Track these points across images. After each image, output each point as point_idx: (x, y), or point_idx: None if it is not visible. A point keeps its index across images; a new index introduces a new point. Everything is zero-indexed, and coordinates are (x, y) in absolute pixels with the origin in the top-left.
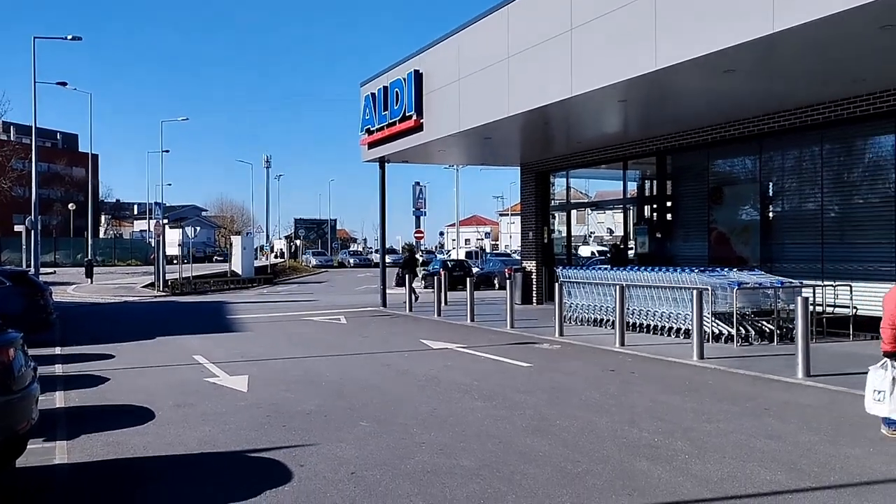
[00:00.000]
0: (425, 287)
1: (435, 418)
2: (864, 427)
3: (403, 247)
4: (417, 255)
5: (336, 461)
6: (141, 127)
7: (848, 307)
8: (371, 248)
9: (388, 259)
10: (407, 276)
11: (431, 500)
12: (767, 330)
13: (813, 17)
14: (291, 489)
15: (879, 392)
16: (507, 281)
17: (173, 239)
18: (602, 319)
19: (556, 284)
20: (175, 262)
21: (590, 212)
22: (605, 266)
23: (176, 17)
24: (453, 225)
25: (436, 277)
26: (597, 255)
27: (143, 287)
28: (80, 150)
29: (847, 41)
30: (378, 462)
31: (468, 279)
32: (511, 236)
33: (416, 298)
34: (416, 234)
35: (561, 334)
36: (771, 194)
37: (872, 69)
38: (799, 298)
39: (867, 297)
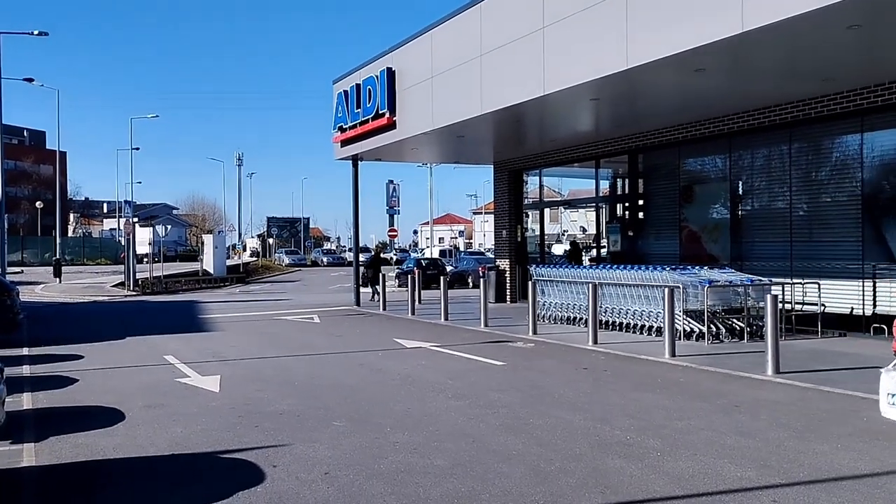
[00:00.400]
0: (399, 286)
1: (409, 418)
2: (832, 423)
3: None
4: (386, 255)
5: (309, 461)
6: (110, 124)
7: (816, 304)
8: (345, 246)
9: (361, 257)
10: (372, 276)
11: (405, 499)
12: (738, 327)
13: (781, 16)
14: (264, 490)
15: (894, 396)
16: (481, 279)
17: (144, 238)
18: (575, 318)
19: (530, 283)
20: (146, 260)
21: (563, 210)
22: (573, 264)
23: (144, 13)
24: (427, 223)
25: (409, 276)
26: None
27: (113, 286)
28: (47, 147)
29: (815, 41)
30: (352, 462)
31: (442, 278)
32: (485, 235)
33: (378, 298)
34: (390, 233)
35: (535, 332)
36: (741, 193)
37: (840, 69)
38: (768, 296)
39: (835, 295)
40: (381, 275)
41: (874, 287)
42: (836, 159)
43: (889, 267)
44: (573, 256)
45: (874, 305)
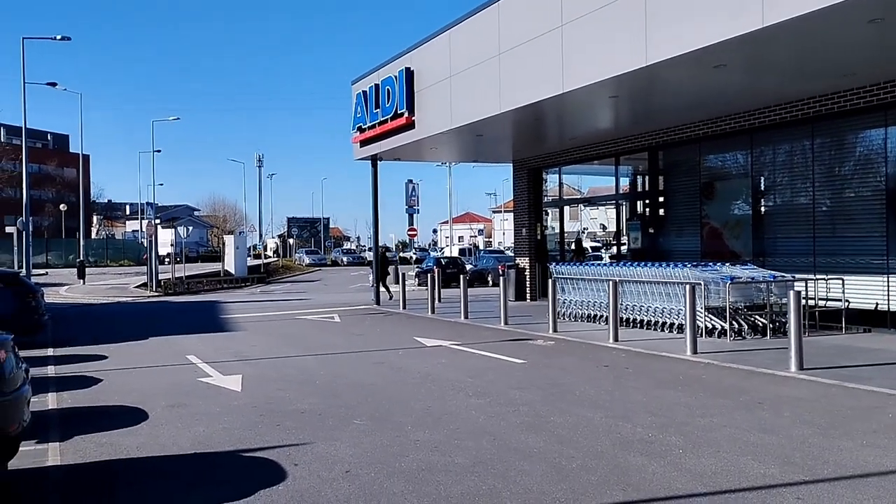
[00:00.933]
0: (419, 284)
1: (429, 416)
2: (857, 420)
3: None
4: (390, 255)
5: (330, 460)
6: (132, 127)
7: (840, 300)
8: (364, 245)
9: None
10: (381, 273)
11: (426, 498)
12: (760, 324)
13: (802, 11)
14: (286, 488)
15: None
16: (501, 278)
17: (166, 239)
18: (596, 315)
19: (550, 281)
20: (168, 261)
21: (583, 208)
22: (577, 262)
23: (165, 16)
24: (446, 222)
25: (429, 275)
26: (590, 250)
27: (136, 287)
28: (70, 150)
29: (836, 35)
30: (372, 460)
31: (462, 276)
32: (504, 233)
33: (390, 297)
34: (410, 232)
35: (555, 330)
36: (762, 189)
37: (862, 63)
38: (791, 292)
39: (859, 291)
40: (387, 274)
41: None
42: (860, 154)
43: None
44: (577, 254)
45: None
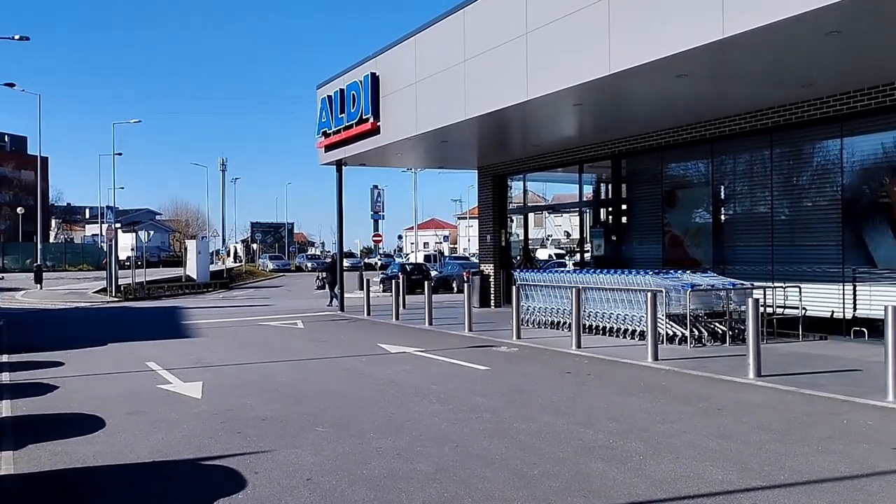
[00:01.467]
0: (383, 291)
1: (392, 423)
2: (812, 426)
3: (332, 254)
4: (375, 259)
5: (291, 468)
6: (92, 129)
7: (797, 308)
8: (329, 251)
9: (346, 263)
10: (328, 281)
11: None
12: (720, 331)
13: (761, 22)
14: (245, 497)
15: None
16: (466, 284)
17: (126, 243)
18: (559, 322)
19: (514, 287)
20: (127, 265)
21: (547, 215)
22: (527, 268)
23: (126, 17)
24: (412, 228)
25: (394, 281)
26: (554, 257)
27: (95, 292)
28: (28, 152)
29: (795, 47)
30: (334, 468)
31: (426, 283)
32: (469, 239)
33: (335, 302)
34: (375, 238)
35: (518, 337)
36: (723, 197)
37: (820, 74)
38: (750, 300)
39: (815, 299)
40: (336, 282)
41: (854, 290)
42: (817, 164)
43: (869, 271)
44: (526, 261)
45: (854, 309)
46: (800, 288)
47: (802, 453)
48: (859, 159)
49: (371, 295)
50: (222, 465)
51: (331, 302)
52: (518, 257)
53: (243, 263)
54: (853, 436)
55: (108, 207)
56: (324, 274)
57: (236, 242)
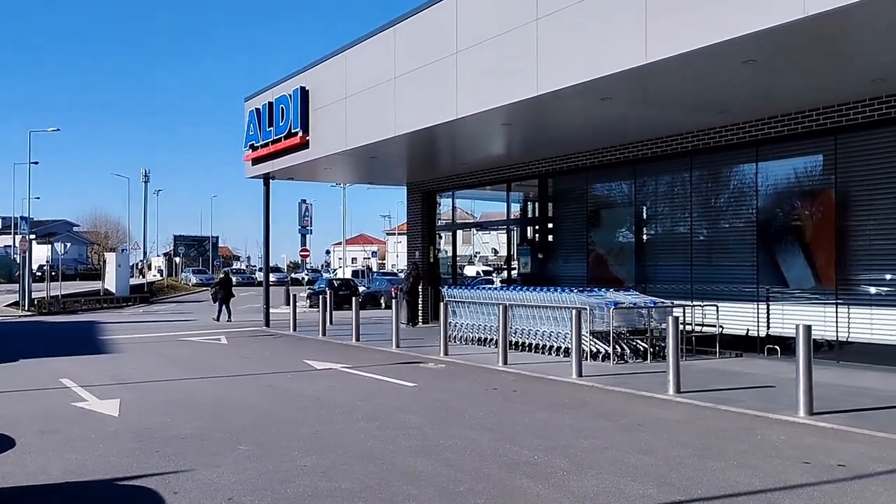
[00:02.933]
0: (310, 306)
1: (317, 440)
2: (729, 441)
3: (288, 265)
4: (302, 274)
5: (212, 487)
6: (7, 137)
7: (715, 326)
8: (255, 266)
9: (272, 277)
10: (220, 297)
11: None
12: (642, 348)
13: (682, 49)
14: None
15: None
16: (394, 300)
17: (41, 255)
18: (486, 339)
19: (442, 304)
20: (41, 275)
21: (475, 232)
22: (489, 286)
23: (45, 21)
24: (340, 243)
25: (321, 296)
26: (482, 274)
27: (7, 306)
28: None
29: (714, 74)
30: (257, 487)
31: (354, 298)
32: (398, 255)
33: (225, 320)
34: (302, 253)
35: (446, 354)
36: (645, 218)
37: (736, 101)
38: (670, 318)
39: (732, 317)
40: (231, 295)
41: (768, 309)
42: (734, 187)
43: (781, 291)
44: (418, 281)
45: (768, 327)
46: (717, 306)
47: (719, 468)
48: (773, 183)
49: (298, 310)
50: (140, 485)
51: (218, 317)
52: (405, 279)
53: (165, 277)
54: (766, 450)
55: (21, 218)
56: (215, 289)
57: (158, 256)
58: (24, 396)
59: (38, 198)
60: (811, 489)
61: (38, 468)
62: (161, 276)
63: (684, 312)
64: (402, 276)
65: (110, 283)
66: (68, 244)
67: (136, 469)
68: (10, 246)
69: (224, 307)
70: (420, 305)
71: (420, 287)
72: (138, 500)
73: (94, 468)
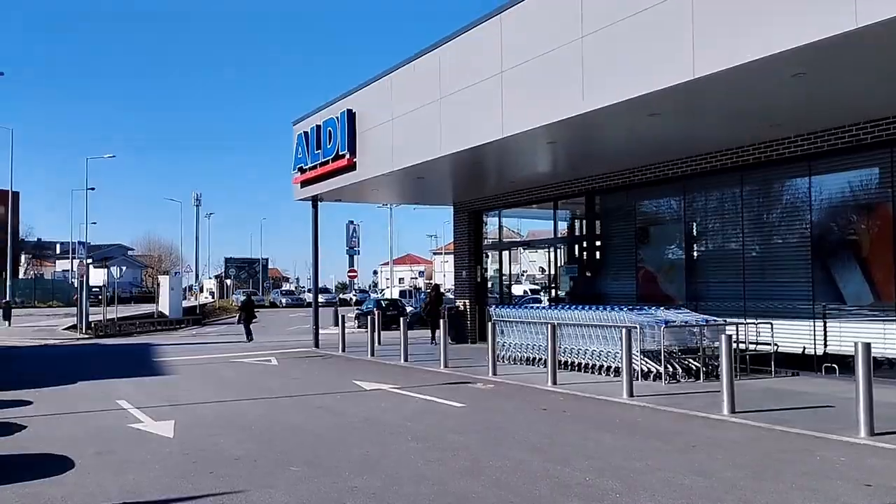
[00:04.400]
0: (359, 327)
1: (368, 461)
2: (786, 462)
3: (336, 286)
4: (350, 295)
5: None
6: (65, 164)
7: (769, 344)
8: (304, 287)
9: (321, 298)
10: (246, 317)
11: None
12: (694, 367)
13: (730, 64)
14: None
15: None
16: (441, 320)
17: (98, 279)
18: (534, 358)
19: (489, 323)
20: (99, 298)
21: (522, 251)
22: (537, 304)
23: (99, 51)
24: (387, 263)
25: (369, 317)
26: (529, 293)
27: (65, 329)
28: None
29: (763, 88)
30: None
31: (402, 318)
32: (445, 275)
33: (250, 339)
34: (350, 274)
35: (494, 373)
36: (695, 234)
37: (787, 114)
38: (723, 336)
39: (787, 334)
40: (253, 316)
41: (825, 327)
42: (787, 202)
43: (838, 307)
44: (437, 302)
45: (825, 345)
46: (771, 324)
47: (777, 490)
48: (827, 197)
49: (346, 331)
50: None
51: (248, 338)
52: (427, 299)
53: (217, 299)
54: (826, 472)
55: (79, 243)
56: (239, 312)
57: (210, 278)
58: (82, 418)
59: (95, 223)
60: None
61: (96, 489)
62: (213, 297)
63: (737, 330)
64: (449, 296)
65: (164, 305)
66: (123, 268)
67: (191, 490)
68: (68, 270)
69: (247, 328)
70: (448, 324)
71: (441, 307)
72: None
73: (150, 489)
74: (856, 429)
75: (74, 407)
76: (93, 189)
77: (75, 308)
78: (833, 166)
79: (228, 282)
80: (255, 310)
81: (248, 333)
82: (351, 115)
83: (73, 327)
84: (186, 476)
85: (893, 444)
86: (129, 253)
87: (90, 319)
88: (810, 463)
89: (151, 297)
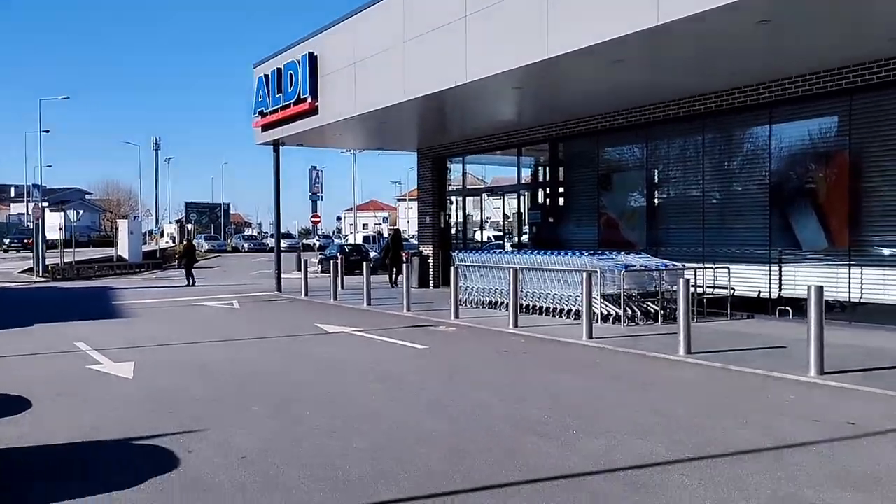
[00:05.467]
0: (322, 272)
1: (329, 402)
2: (739, 401)
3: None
4: (313, 240)
5: (226, 447)
6: (17, 105)
7: (726, 288)
8: (266, 232)
9: (283, 244)
10: (186, 262)
11: (324, 482)
12: (652, 310)
13: (695, 10)
14: (178, 475)
15: None
16: (404, 265)
17: (54, 222)
18: (497, 302)
19: (452, 268)
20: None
21: (486, 197)
22: (500, 250)
23: None
24: (350, 209)
25: (332, 262)
26: (493, 239)
27: (21, 272)
28: None
29: (727, 35)
30: (270, 447)
31: (365, 263)
32: (409, 221)
33: (192, 283)
34: (313, 219)
35: (457, 317)
36: (657, 181)
37: (750, 62)
38: (681, 280)
39: (744, 279)
40: (195, 260)
41: (780, 271)
42: (747, 150)
43: (794, 253)
44: (397, 247)
45: (780, 289)
46: (729, 269)
47: (729, 427)
48: (787, 145)
49: (309, 276)
50: (155, 444)
51: (190, 282)
52: (387, 243)
53: (178, 244)
54: (776, 409)
55: (34, 186)
56: (178, 257)
57: (170, 223)
58: (40, 360)
59: (50, 166)
60: (821, 446)
61: (55, 428)
62: (174, 242)
63: (696, 275)
64: (413, 241)
65: (123, 249)
66: (81, 211)
67: (151, 430)
68: (23, 213)
69: (188, 272)
70: (400, 270)
71: (401, 251)
72: (153, 460)
73: (109, 429)
74: (806, 368)
75: (32, 349)
76: (47, 131)
77: (31, 251)
78: (793, 114)
79: (189, 226)
80: (216, 255)
81: (190, 276)
82: (313, 58)
83: (30, 270)
84: (146, 416)
85: (841, 382)
86: (87, 197)
87: (47, 263)
88: (762, 400)
89: (110, 242)
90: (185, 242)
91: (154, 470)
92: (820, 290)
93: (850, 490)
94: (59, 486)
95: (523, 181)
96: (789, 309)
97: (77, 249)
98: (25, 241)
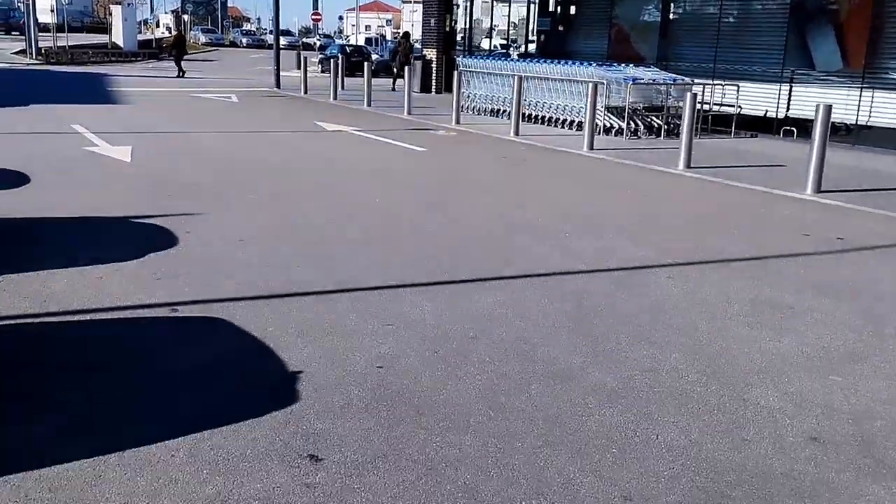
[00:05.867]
0: (322, 71)
1: (325, 194)
2: (732, 214)
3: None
4: (314, 39)
5: (223, 229)
6: None
7: (733, 106)
8: (265, 29)
9: (283, 41)
10: (177, 53)
11: (318, 265)
12: (656, 125)
13: None
14: (177, 252)
15: None
16: (407, 68)
17: (45, 4)
18: (499, 110)
19: (455, 73)
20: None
21: (495, 2)
22: (506, 57)
23: None
24: (353, 10)
25: (333, 61)
26: (499, 48)
27: (14, 53)
28: None
29: None
30: (266, 231)
31: (366, 64)
32: (413, 25)
33: (182, 74)
34: (314, 17)
35: (458, 122)
36: None
37: None
38: (688, 94)
39: (752, 97)
40: (185, 52)
41: (790, 91)
42: None
43: (807, 72)
44: (407, 51)
45: (787, 109)
46: (738, 86)
47: (720, 237)
48: None
49: (309, 75)
50: (154, 223)
51: (180, 74)
52: (395, 50)
53: (174, 35)
54: (768, 223)
55: None
56: (169, 48)
57: (166, 13)
58: (37, 139)
59: None
60: (807, 258)
61: (55, 202)
62: (169, 33)
63: (704, 91)
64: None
65: (117, 36)
66: None
67: (149, 210)
68: None
69: (178, 63)
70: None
71: (410, 56)
72: (153, 238)
73: (108, 206)
74: (803, 186)
75: (29, 128)
76: None
77: (16, 34)
78: None
79: (186, 17)
80: (214, 48)
81: (180, 68)
82: None
83: (23, 52)
84: (144, 197)
85: (837, 200)
86: None
87: (40, 45)
88: (755, 214)
89: (104, 28)
90: (175, 33)
91: (153, 246)
92: (828, 108)
93: (830, 298)
94: (63, 254)
95: None
96: (794, 129)
97: (70, 34)
98: (11, 22)
